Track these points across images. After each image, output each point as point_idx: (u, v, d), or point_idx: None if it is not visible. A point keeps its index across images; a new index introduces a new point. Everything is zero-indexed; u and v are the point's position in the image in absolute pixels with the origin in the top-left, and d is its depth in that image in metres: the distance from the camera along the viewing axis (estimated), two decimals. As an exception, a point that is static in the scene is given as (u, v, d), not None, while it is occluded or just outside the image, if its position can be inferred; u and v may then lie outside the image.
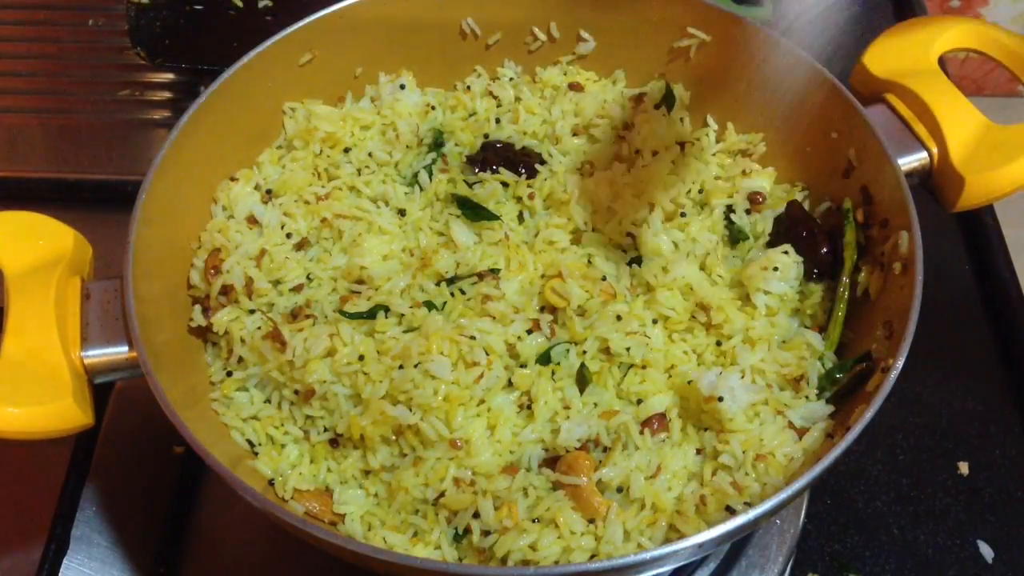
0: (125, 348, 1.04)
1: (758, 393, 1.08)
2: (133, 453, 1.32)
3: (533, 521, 1.01)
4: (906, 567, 1.30)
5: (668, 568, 1.11)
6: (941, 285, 1.55)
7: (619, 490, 1.04)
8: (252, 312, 1.17)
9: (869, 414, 0.94)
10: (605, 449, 1.08)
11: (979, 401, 1.45)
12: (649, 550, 0.89)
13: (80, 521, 1.27)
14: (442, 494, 1.04)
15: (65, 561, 1.24)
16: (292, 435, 1.12)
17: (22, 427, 0.97)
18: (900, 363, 0.98)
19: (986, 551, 1.31)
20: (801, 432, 1.07)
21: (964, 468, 1.38)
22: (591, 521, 1.02)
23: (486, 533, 1.01)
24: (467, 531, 1.03)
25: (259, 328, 1.14)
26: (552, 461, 1.07)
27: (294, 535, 0.93)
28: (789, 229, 1.23)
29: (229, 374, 1.15)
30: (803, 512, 1.27)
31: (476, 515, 1.02)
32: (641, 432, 1.08)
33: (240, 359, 1.15)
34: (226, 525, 1.29)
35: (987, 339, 1.51)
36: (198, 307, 1.18)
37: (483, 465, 1.05)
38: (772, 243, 1.24)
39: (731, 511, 1.00)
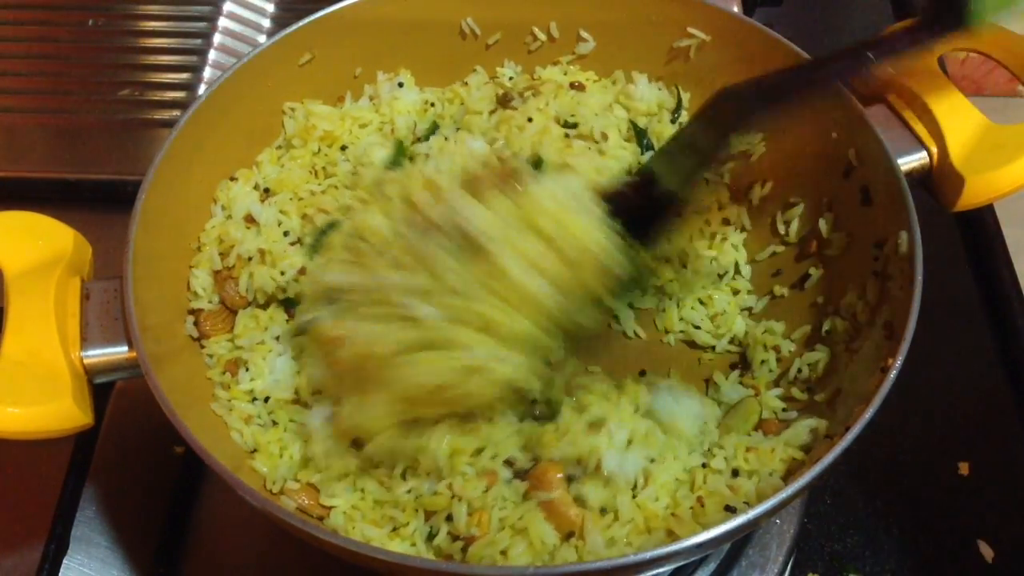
0: (125, 348, 1.04)
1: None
2: (133, 453, 1.32)
3: (505, 530, 1.00)
4: (906, 567, 1.30)
5: (668, 568, 1.11)
6: (941, 285, 1.55)
7: (603, 511, 1.02)
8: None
9: (869, 414, 0.94)
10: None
11: (979, 401, 1.45)
12: (649, 550, 0.89)
13: (80, 521, 1.27)
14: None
15: (65, 561, 1.24)
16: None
17: (22, 427, 0.97)
18: (900, 363, 0.98)
19: (986, 551, 1.31)
20: (800, 432, 1.07)
21: (964, 468, 1.38)
22: (570, 535, 1.00)
23: (455, 538, 1.01)
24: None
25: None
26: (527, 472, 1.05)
27: (294, 535, 0.93)
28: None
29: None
30: (803, 512, 1.27)
31: (449, 518, 1.02)
32: None
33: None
34: (226, 525, 1.29)
35: (987, 339, 1.51)
36: (191, 318, 1.18)
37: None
38: None
39: (731, 511, 1.00)
